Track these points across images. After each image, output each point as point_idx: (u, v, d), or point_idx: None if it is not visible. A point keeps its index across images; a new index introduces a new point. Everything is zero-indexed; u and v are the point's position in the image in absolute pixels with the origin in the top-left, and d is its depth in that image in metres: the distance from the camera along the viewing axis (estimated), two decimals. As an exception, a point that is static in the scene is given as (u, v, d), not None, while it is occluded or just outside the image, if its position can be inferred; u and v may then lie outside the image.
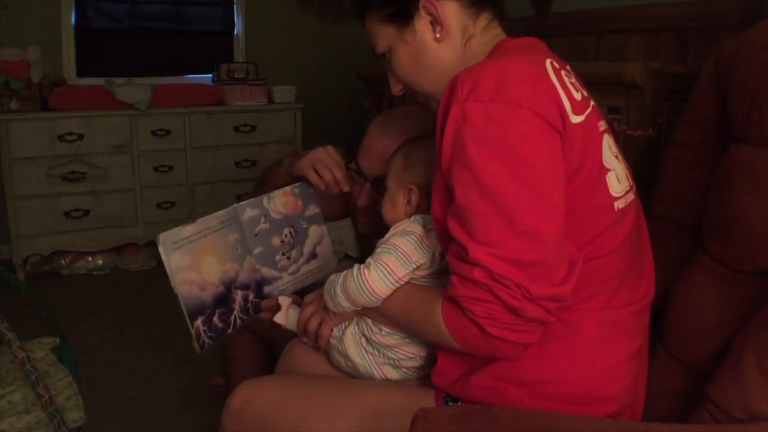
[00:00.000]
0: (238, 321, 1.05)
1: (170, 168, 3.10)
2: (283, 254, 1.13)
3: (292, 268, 1.15)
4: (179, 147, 3.12)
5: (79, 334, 2.26)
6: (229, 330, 1.04)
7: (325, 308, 0.99)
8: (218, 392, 1.80)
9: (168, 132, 3.07)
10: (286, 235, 1.14)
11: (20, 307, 1.54)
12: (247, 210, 1.09)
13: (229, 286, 1.04)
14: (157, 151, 3.06)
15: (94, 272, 3.06)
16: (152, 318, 2.44)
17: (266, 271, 1.10)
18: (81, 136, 2.88)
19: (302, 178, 1.16)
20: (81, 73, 3.21)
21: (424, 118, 1.12)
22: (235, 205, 1.07)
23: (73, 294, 2.79)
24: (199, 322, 0.98)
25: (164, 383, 2.03)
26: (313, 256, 1.19)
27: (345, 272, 0.93)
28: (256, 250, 1.09)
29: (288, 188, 1.16)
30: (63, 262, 3.04)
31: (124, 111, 2.95)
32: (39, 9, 3.01)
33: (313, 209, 1.20)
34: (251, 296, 1.08)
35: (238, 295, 1.05)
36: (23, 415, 1.27)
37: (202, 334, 0.99)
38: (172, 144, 3.09)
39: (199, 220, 1.01)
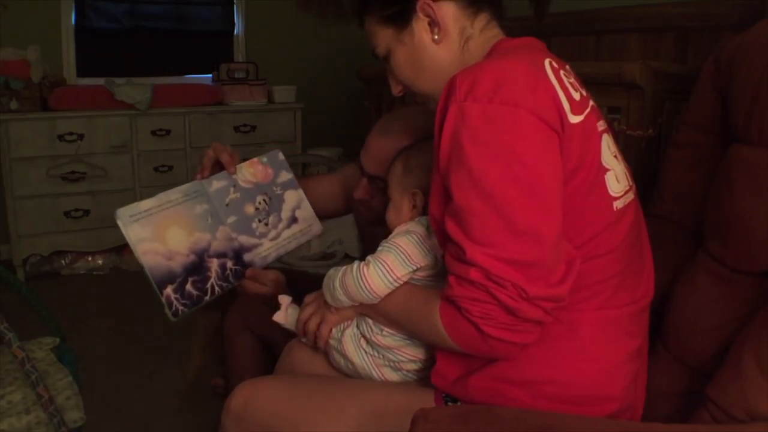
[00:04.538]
0: (217, 288, 1.07)
1: (170, 168, 3.10)
2: (260, 221, 1.15)
3: (271, 234, 1.17)
4: (179, 147, 3.12)
5: (79, 334, 2.26)
6: (207, 297, 1.05)
7: (326, 305, 0.99)
8: (218, 392, 1.80)
9: (168, 132, 3.07)
10: (260, 203, 1.16)
11: (20, 307, 1.54)
12: (214, 182, 1.11)
13: (201, 255, 1.06)
14: (157, 151, 3.07)
15: (94, 272, 3.06)
16: (152, 318, 2.44)
17: (244, 239, 1.12)
18: (81, 136, 2.88)
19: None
20: (81, 73, 3.20)
21: (426, 120, 1.12)
22: (200, 179, 1.10)
23: (73, 294, 2.79)
24: (169, 290, 1.01)
25: (164, 383, 2.03)
26: (294, 220, 1.21)
27: (345, 267, 0.93)
28: (230, 219, 1.11)
29: (255, 159, 1.19)
30: (63, 262, 3.04)
31: (124, 111, 2.95)
32: (39, 9, 3.01)
33: (285, 175, 1.22)
34: (230, 264, 1.09)
35: (214, 264, 1.07)
36: (23, 415, 1.27)
37: (174, 302, 1.01)
38: (172, 144, 3.09)
39: (159, 195, 1.04)
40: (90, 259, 3.06)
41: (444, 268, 0.91)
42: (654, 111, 1.52)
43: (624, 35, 2.10)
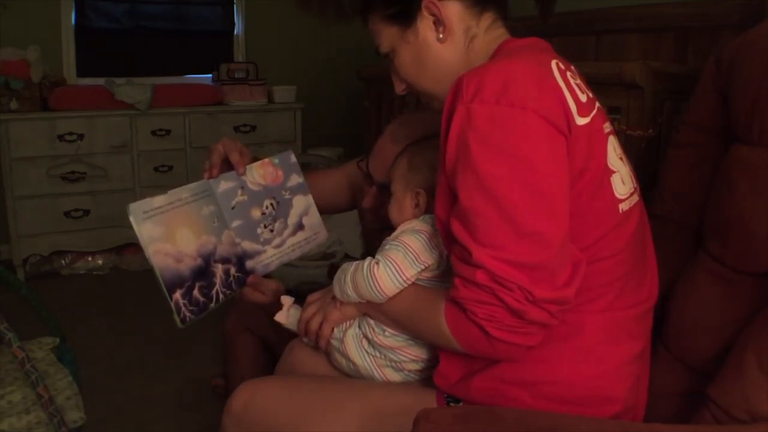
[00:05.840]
0: (221, 296, 1.03)
1: (170, 168, 3.10)
2: (265, 227, 1.10)
3: (276, 241, 1.12)
4: (179, 147, 3.12)
5: (79, 334, 2.26)
6: (212, 305, 1.01)
7: (330, 302, 0.99)
8: (218, 392, 1.80)
9: (168, 132, 3.07)
10: (267, 207, 1.11)
11: (20, 307, 1.54)
12: (222, 183, 1.06)
13: (207, 259, 1.01)
14: (157, 151, 3.07)
15: (94, 272, 3.06)
16: (152, 318, 2.44)
17: (247, 245, 1.08)
18: (81, 136, 2.88)
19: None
20: (81, 73, 3.21)
21: (437, 125, 1.12)
22: (208, 179, 1.06)
23: (73, 294, 2.79)
24: (178, 295, 0.96)
25: (164, 383, 2.03)
26: (300, 227, 1.16)
27: (357, 263, 0.93)
28: (234, 224, 1.06)
29: (266, 159, 1.14)
30: (63, 262, 3.03)
31: (124, 111, 2.95)
32: (39, 9, 3.01)
33: (296, 179, 1.17)
34: (233, 270, 1.05)
35: (219, 269, 1.03)
36: (23, 415, 1.27)
37: (183, 308, 0.97)
38: (172, 144, 3.09)
39: (170, 191, 0.99)
40: (90, 259, 3.06)
41: (447, 267, 0.91)
42: (654, 111, 1.52)
43: (624, 35, 2.10)
